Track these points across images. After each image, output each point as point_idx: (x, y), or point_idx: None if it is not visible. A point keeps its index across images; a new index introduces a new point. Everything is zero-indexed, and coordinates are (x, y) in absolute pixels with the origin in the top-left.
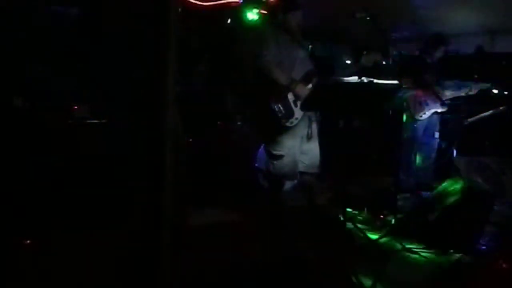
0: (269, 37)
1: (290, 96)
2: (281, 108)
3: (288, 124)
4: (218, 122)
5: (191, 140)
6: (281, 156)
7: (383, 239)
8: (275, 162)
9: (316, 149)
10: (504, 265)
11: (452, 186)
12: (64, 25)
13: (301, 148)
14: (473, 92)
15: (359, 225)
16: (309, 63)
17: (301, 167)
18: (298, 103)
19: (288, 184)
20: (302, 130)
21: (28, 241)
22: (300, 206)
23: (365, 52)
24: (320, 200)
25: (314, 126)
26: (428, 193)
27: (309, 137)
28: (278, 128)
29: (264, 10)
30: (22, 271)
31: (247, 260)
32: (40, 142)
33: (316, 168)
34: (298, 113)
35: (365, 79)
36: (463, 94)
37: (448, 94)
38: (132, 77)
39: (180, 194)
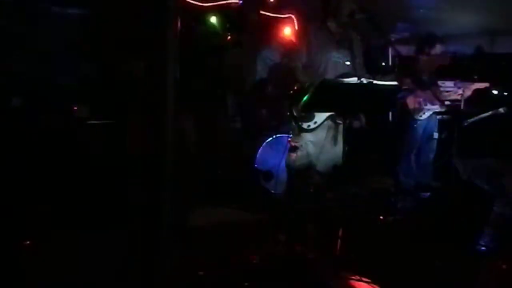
0: (302, 37)
1: None
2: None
3: (305, 127)
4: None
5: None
6: (296, 148)
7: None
8: (291, 153)
9: (337, 151)
10: (504, 266)
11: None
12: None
13: (323, 149)
14: (468, 92)
15: None
16: (346, 66)
17: (318, 167)
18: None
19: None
20: (327, 132)
21: (28, 242)
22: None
23: None
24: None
25: (342, 130)
26: (428, 193)
27: (335, 141)
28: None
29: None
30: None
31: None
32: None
33: (326, 168)
34: (319, 117)
35: (364, 80)
36: (459, 93)
37: (446, 94)
38: (132, 78)
39: (180, 194)
